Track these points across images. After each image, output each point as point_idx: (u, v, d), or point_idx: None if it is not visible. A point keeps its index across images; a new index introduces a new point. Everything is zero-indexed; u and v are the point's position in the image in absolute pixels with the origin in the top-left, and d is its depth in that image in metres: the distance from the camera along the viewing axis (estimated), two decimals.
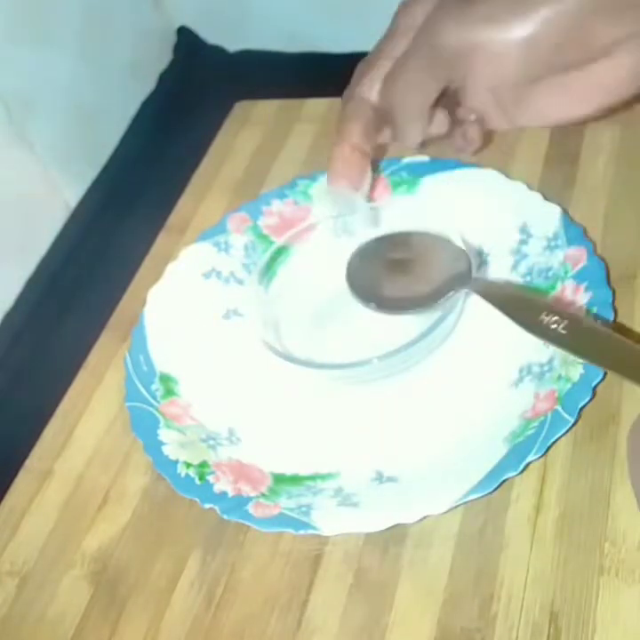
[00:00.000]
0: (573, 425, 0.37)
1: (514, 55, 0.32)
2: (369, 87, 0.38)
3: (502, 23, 0.32)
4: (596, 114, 0.35)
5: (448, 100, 0.38)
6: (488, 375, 0.42)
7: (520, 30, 0.32)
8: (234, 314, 0.48)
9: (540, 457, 0.37)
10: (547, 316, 0.34)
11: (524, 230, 0.46)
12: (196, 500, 0.39)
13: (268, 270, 0.46)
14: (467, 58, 0.33)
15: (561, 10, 0.31)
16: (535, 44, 0.32)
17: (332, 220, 0.46)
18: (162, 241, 0.55)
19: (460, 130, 0.41)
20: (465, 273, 0.40)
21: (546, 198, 0.46)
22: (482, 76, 0.34)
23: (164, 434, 0.42)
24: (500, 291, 0.38)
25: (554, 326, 0.34)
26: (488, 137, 0.41)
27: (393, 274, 0.42)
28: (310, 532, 0.37)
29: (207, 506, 0.39)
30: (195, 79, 0.68)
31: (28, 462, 0.46)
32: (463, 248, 0.41)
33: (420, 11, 0.35)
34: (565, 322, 0.33)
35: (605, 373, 0.38)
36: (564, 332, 0.33)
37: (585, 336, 0.33)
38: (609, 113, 0.35)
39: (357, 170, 0.40)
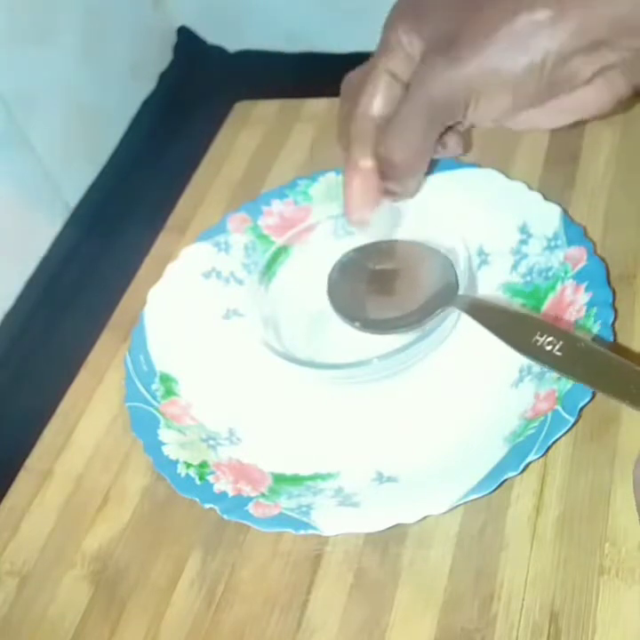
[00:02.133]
0: (573, 425, 0.37)
1: (505, 96, 0.34)
2: (369, 104, 0.38)
3: (493, 71, 0.34)
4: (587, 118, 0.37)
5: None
6: (488, 375, 0.42)
7: (510, 75, 0.33)
8: (234, 314, 0.48)
9: (540, 457, 0.36)
10: (540, 336, 0.32)
11: (524, 230, 0.46)
12: (196, 500, 0.39)
13: (268, 270, 0.46)
14: (462, 103, 0.35)
15: (546, 52, 0.33)
16: (525, 84, 0.34)
17: (332, 221, 0.46)
18: (162, 241, 0.55)
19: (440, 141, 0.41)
20: (451, 288, 0.38)
21: (546, 198, 0.46)
22: (477, 113, 0.36)
23: (164, 434, 0.42)
24: (490, 309, 0.37)
25: (548, 348, 0.32)
26: (468, 144, 0.41)
27: (376, 289, 0.41)
28: (310, 532, 0.37)
29: (207, 506, 0.39)
30: (195, 79, 0.68)
31: (28, 462, 0.46)
32: (449, 259, 0.39)
33: (408, 28, 0.36)
34: (560, 343, 0.32)
35: None
36: (559, 354, 0.32)
37: (582, 358, 0.32)
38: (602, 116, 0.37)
39: (373, 197, 0.39)
